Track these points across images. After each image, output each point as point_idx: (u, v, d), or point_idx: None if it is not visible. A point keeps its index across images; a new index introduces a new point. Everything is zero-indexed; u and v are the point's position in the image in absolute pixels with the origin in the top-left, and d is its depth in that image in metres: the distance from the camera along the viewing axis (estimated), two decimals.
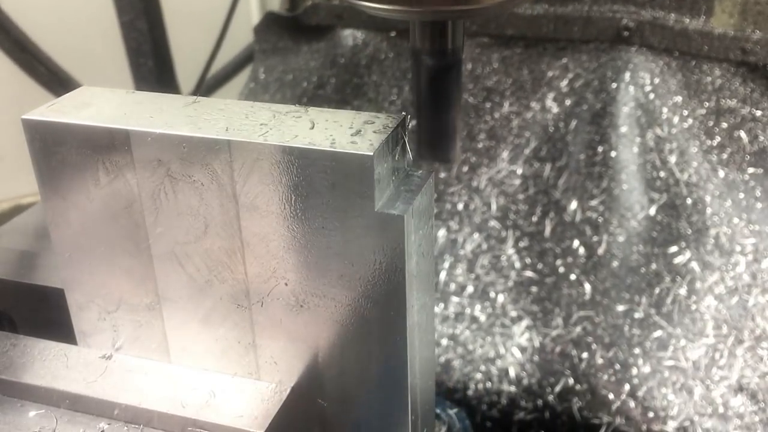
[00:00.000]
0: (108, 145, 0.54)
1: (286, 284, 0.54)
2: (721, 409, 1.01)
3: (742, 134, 1.16)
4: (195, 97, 0.57)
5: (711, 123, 1.18)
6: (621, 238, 1.13)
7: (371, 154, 0.48)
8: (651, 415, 1.02)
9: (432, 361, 0.60)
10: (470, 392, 1.09)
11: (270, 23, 1.56)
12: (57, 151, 0.56)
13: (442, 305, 1.15)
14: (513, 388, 1.09)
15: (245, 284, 0.55)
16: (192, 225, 0.55)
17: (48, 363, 0.61)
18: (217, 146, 0.51)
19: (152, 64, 1.61)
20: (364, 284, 0.52)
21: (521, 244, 1.17)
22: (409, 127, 0.53)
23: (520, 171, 1.21)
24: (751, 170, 1.14)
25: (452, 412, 0.77)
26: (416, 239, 0.51)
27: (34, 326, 0.68)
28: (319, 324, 0.55)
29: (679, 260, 1.10)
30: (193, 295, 0.57)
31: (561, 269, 1.14)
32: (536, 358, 1.09)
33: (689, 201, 1.12)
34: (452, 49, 0.48)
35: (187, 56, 1.79)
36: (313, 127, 0.52)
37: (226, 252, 0.55)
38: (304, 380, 0.57)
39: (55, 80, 1.67)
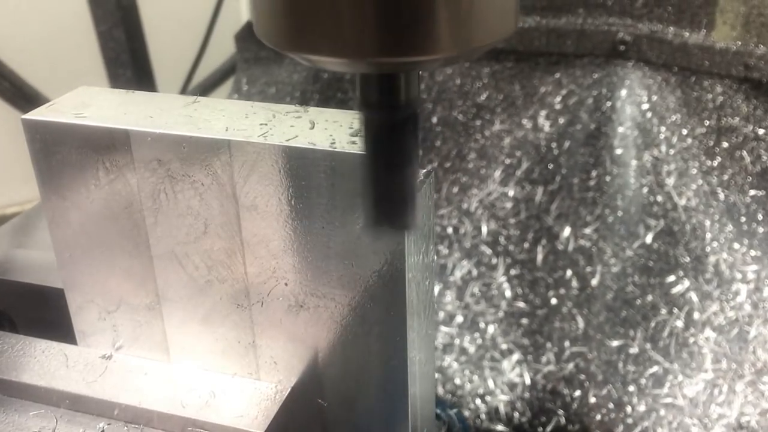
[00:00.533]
0: (108, 145, 0.54)
1: (286, 284, 0.54)
2: None
3: (744, 154, 1.11)
4: (195, 97, 0.57)
5: (711, 142, 1.13)
6: (615, 269, 1.08)
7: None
8: None
9: (432, 361, 0.60)
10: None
11: (252, 32, 1.54)
12: (57, 151, 0.56)
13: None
14: (503, 427, 1.06)
15: (245, 284, 0.55)
16: (192, 225, 0.55)
17: (48, 363, 0.60)
18: (217, 146, 0.51)
19: (131, 75, 1.59)
20: (364, 284, 0.52)
21: (512, 272, 1.13)
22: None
23: (511, 193, 1.17)
24: (752, 192, 1.10)
25: (452, 412, 0.77)
26: (416, 239, 0.51)
27: (34, 326, 0.68)
28: (319, 324, 0.55)
29: (676, 290, 1.06)
30: (193, 295, 0.57)
31: (553, 301, 1.10)
32: (527, 395, 1.07)
33: (687, 227, 1.08)
34: (406, 102, 0.41)
35: (169, 66, 1.75)
36: (313, 127, 0.52)
37: (226, 252, 0.55)
38: (304, 380, 0.57)
39: (20, 95, 1.63)
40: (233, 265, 0.55)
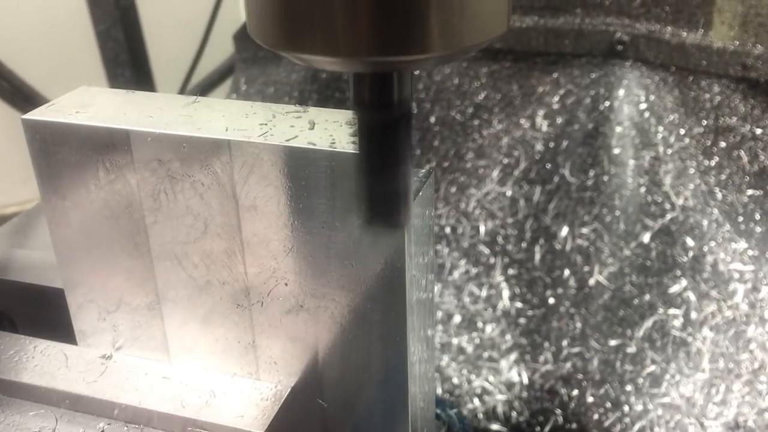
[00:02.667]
0: (108, 145, 0.54)
1: (286, 284, 0.54)
2: None
3: (742, 154, 1.11)
4: (195, 97, 0.57)
5: (709, 142, 1.13)
6: (613, 268, 1.08)
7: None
8: None
9: (432, 361, 0.60)
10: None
11: None
12: (57, 151, 0.56)
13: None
14: (501, 427, 1.06)
15: (245, 284, 0.55)
16: (192, 225, 0.55)
17: (48, 363, 0.60)
18: (217, 146, 0.51)
19: (130, 74, 1.58)
20: (364, 284, 0.52)
21: (510, 272, 1.13)
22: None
23: (509, 193, 1.17)
24: (750, 192, 1.10)
25: (452, 412, 0.77)
26: (416, 239, 0.51)
27: (34, 326, 0.68)
28: (319, 324, 0.55)
29: (674, 290, 1.06)
30: (193, 295, 0.57)
31: (551, 300, 1.11)
32: (525, 394, 1.07)
33: (685, 226, 1.08)
34: (399, 101, 0.41)
35: (168, 65, 1.74)
36: (313, 127, 0.52)
37: (226, 252, 0.55)
38: (304, 380, 0.57)
39: (19, 95, 1.63)
40: (233, 266, 0.55)
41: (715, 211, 1.09)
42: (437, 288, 1.15)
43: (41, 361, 0.61)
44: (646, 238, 1.09)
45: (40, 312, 0.68)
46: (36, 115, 0.55)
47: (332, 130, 0.51)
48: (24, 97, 1.63)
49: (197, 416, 0.55)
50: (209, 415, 0.55)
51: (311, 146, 0.49)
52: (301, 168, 0.50)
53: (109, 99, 0.57)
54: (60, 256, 0.60)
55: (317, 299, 0.54)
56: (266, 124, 0.52)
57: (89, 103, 0.57)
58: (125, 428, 0.57)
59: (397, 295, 0.51)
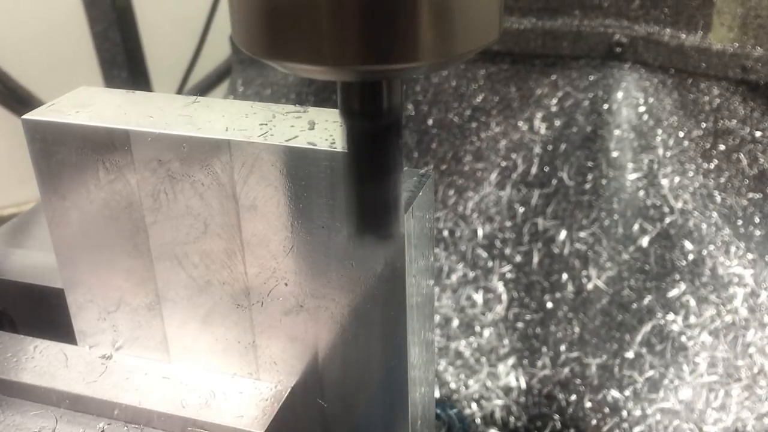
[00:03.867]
0: (108, 145, 0.54)
1: (285, 284, 0.54)
2: None
3: (741, 157, 1.10)
4: (195, 97, 0.58)
5: (708, 145, 1.12)
6: (611, 272, 1.08)
7: None
8: None
9: (432, 361, 0.60)
10: None
11: None
12: (57, 151, 0.56)
13: None
14: None
15: (245, 284, 0.55)
16: (192, 225, 0.55)
17: (48, 363, 0.61)
18: (217, 146, 0.51)
19: (126, 76, 1.58)
20: (364, 285, 0.52)
21: (508, 276, 1.13)
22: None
23: (507, 197, 1.17)
24: (750, 195, 1.09)
25: (452, 412, 0.77)
26: (416, 239, 0.52)
27: (34, 326, 0.68)
28: (319, 324, 0.55)
29: (672, 294, 1.05)
30: (193, 295, 0.57)
31: (549, 305, 1.10)
32: (522, 399, 1.07)
33: (684, 230, 1.07)
34: (389, 108, 0.40)
35: (164, 67, 1.74)
36: (312, 127, 0.52)
37: (226, 252, 0.55)
38: (304, 380, 0.57)
39: (13, 97, 1.62)
40: (233, 266, 0.55)
41: (715, 214, 1.09)
42: (435, 292, 1.15)
43: (41, 361, 0.61)
44: (644, 242, 1.09)
45: (40, 312, 0.68)
46: (36, 115, 0.55)
47: (332, 130, 0.51)
48: (19, 99, 1.63)
49: (197, 416, 0.55)
50: (209, 415, 0.55)
51: (311, 146, 0.49)
52: (301, 168, 0.50)
53: (109, 99, 0.58)
54: (60, 256, 0.60)
55: (317, 299, 0.54)
56: (266, 124, 0.52)
57: (89, 103, 0.57)
58: (125, 428, 0.57)
59: (397, 296, 0.51)
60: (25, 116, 0.55)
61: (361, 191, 0.42)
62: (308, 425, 0.59)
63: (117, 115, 0.55)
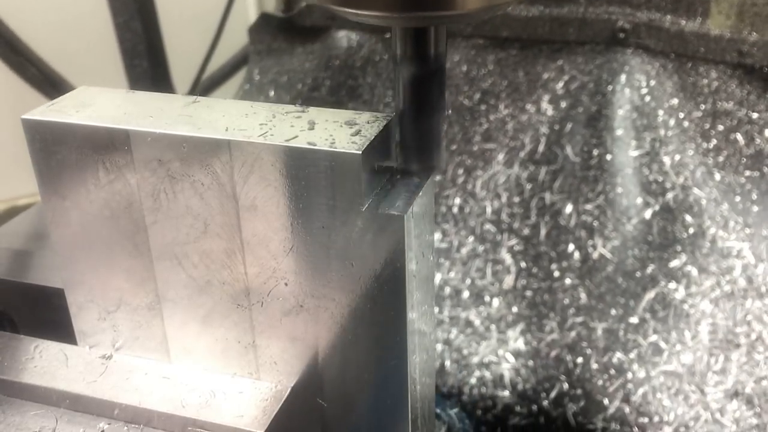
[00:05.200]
0: (108, 145, 0.54)
1: (285, 284, 0.54)
2: (716, 415, 1.00)
3: (739, 137, 1.15)
4: (195, 97, 0.57)
5: (707, 125, 1.17)
6: (616, 242, 1.12)
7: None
8: (646, 420, 1.02)
9: (432, 360, 0.60)
10: (465, 397, 1.09)
11: (265, 24, 1.56)
12: (57, 151, 0.56)
13: (436, 309, 1.15)
14: (508, 393, 1.09)
15: (245, 284, 0.55)
16: (192, 225, 0.55)
17: (48, 363, 0.61)
18: (217, 146, 0.51)
19: (147, 65, 1.61)
20: (364, 284, 0.52)
21: (516, 248, 1.17)
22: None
23: (515, 174, 1.21)
24: (747, 173, 1.14)
25: (452, 412, 0.77)
26: (416, 239, 0.52)
27: (34, 326, 0.68)
28: (319, 324, 0.55)
29: (674, 264, 1.10)
30: (193, 295, 0.57)
31: (556, 273, 1.14)
32: (531, 363, 1.09)
33: (685, 204, 1.12)
34: (435, 55, 0.47)
35: (183, 57, 1.78)
36: (312, 127, 0.52)
37: (226, 252, 0.55)
38: (304, 380, 0.57)
39: (47, 82, 1.66)
40: (233, 266, 0.55)
41: (714, 190, 1.13)
42: (446, 265, 1.18)
43: (41, 361, 0.61)
44: (647, 214, 1.13)
45: (40, 312, 0.68)
46: (36, 115, 0.55)
47: (332, 130, 0.51)
48: (53, 84, 1.66)
49: (197, 416, 0.55)
50: (209, 415, 0.55)
51: (311, 146, 0.49)
52: (301, 168, 0.50)
53: (109, 99, 0.58)
54: (60, 256, 0.60)
55: (317, 299, 0.54)
56: (266, 124, 0.52)
57: (89, 103, 0.57)
58: (125, 428, 0.57)
59: (397, 295, 0.51)
60: (25, 116, 0.55)
61: (408, 129, 0.50)
62: (308, 425, 0.59)
63: (117, 115, 0.55)
